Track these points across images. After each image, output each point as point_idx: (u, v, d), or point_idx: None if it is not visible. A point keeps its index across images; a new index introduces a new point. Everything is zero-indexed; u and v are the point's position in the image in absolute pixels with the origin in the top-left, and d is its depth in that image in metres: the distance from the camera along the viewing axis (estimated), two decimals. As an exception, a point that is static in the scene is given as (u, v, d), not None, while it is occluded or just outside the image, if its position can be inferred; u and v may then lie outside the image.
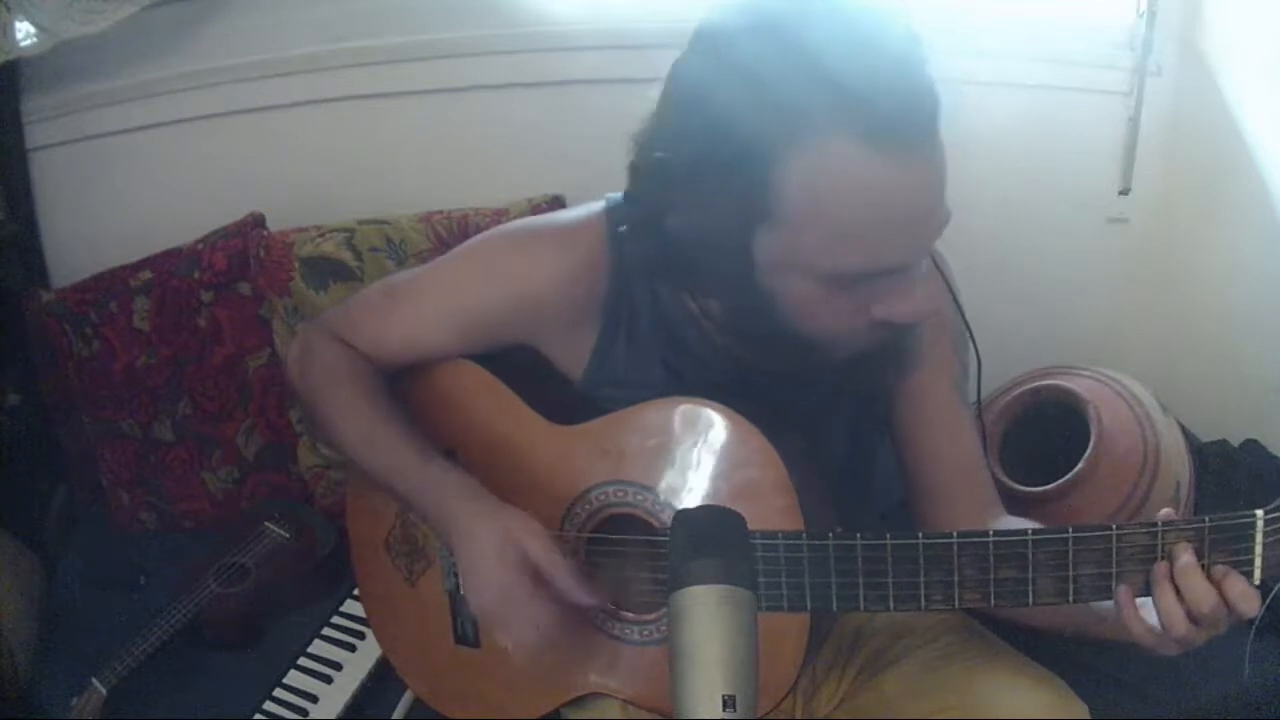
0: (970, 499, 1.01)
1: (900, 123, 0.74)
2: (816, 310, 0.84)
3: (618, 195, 0.97)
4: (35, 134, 1.67)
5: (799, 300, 0.83)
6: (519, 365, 1.03)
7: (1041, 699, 0.94)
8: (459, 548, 0.94)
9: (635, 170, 0.88)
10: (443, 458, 0.98)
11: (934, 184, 0.79)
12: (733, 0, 0.80)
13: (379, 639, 1.17)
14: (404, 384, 1.06)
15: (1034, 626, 0.99)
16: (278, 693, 1.31)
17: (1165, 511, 0.80)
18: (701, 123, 0.79)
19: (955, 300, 0.99)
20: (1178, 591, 0.77)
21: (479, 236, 1.05)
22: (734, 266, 0.83)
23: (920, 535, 0.82)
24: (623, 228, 0.94)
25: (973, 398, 1.04)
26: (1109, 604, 0.84)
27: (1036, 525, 0.83)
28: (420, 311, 1.03)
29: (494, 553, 0.91)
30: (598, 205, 0.99)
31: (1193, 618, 0.77)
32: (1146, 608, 0.80)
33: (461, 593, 1.04)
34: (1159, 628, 0.79)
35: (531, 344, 1.02)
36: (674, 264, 0.89)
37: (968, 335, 1.01)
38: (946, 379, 1.01)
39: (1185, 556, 0.76)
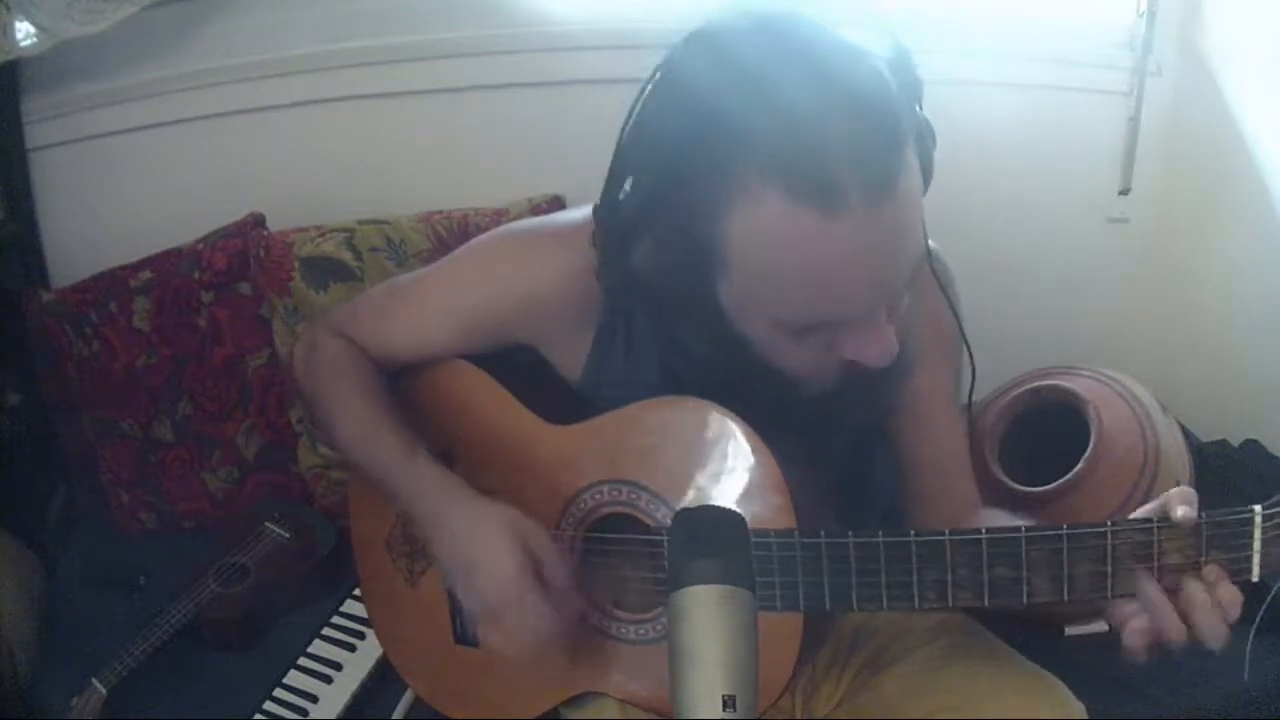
0: (948, 500, 1.01)
1: (842, 181, 0.70)
2: (783, 353, 0.83)
3: None
4: (35, 134, 1.67)
5: (765, 342, 0.83)
6: (518, 365, 1.04)
7: (1039, 700, 0.94)
8: (454, 546, 0.94)
9: (598, 210, 0.87)
10: (433, 458, 0.98)
11: (888, 236, 0.74)
12: (693, 39, 0.79)
13: (379, 638, 1.17)
14: (402, 384, 1.07)
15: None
16: (278, 693, 1.31)
17: (1182, 505, 0.78)
18: (654, 173, 0.79)
19: (953, 307, 0.99)
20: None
21: (482, 237, 1.05)
22: (702, 307, 0.83)
23: (913, 533, 0.82)
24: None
25: (964, 402, 1.04)
26: None
27: (1028, 523, 0.83)
28: (423, 311, 1.04)
29: (502, 550, 0.90)
30: None
31: (1185, 619, 0.76)
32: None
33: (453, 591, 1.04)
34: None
35: (531, 344, 1.02)
36: (647, 305, 0.89)
37: (963, 343, 1.01)
38: (942, 386, 1.01)
39: (1191, 585, 0.76)
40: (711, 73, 0.75)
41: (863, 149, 0.71)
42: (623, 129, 0.83)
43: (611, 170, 0.85)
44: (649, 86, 0.81)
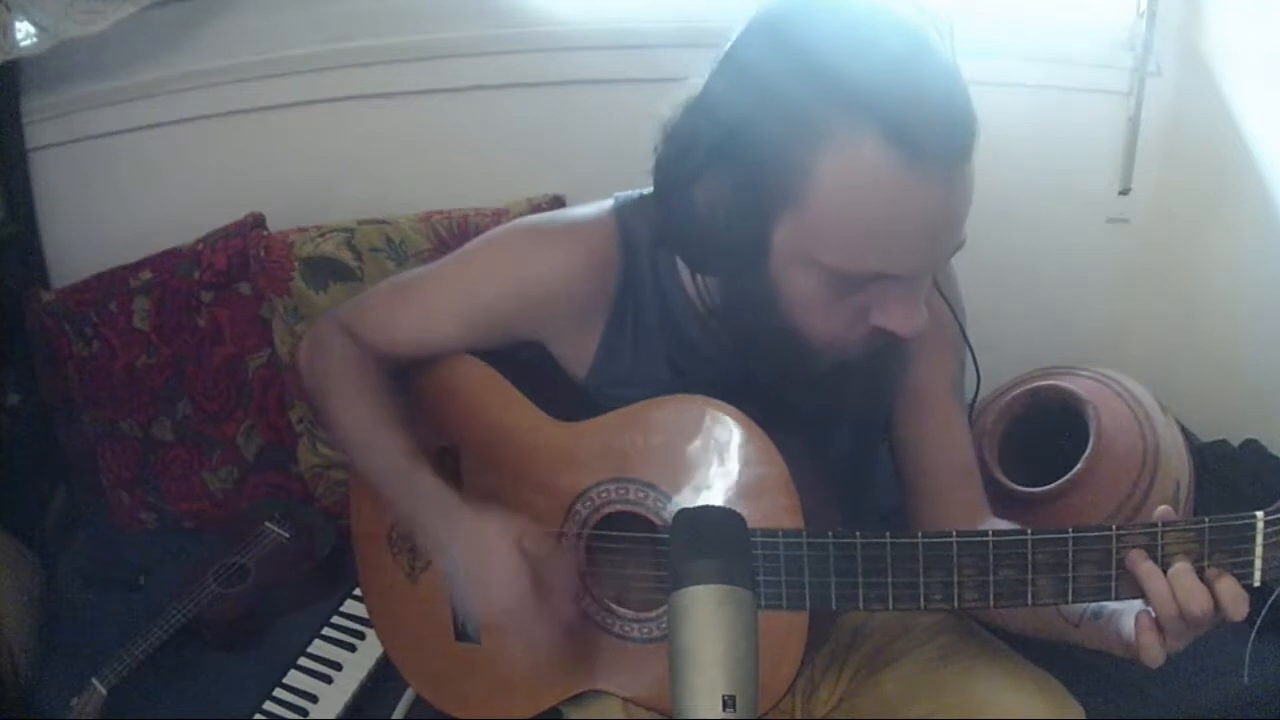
0: (960, 502, 1.02)
1: (934, 136, 0.74)
2: (817, 309, 0.84)
3: (627, 194, 0.98)
4: (35, 134, 1.67)
5: (802, 296, 0.83)
6: (525, 362, 1.04)
7: (1038, 700, 0.95)
8: (455, 558, 0.94)
9: (669, 131, 0.87)
10: (431, 468, 0.98)
11: (956, 202, 0.79)
12: (783, 3, 0.80)
13: (380, 635, 1.17)
14: (409, 380, 1.07)
15: (1006, 629, 1.00)
16: (278, 693, 1.31)
17: (1163, 509, 0.80)
18: (748, 96, 0.79)
19: (953, 307, 0.99)
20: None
21: (490, 233, 1.05)
22: (749, 250, 0.83)
23: (920, 535, 0.82)
24: (639, 193, 0.94)
25: (968, 403, 1.04)
26: (1076, 609, 0.85)
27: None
28: (431, 306, 1.04)
29: (504, 563, 0.91)
30: (607, 203, 0.99)
31: (1184, 618, 0.77)
32: (1126, 613, 0.81)
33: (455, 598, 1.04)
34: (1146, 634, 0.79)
35: (539, 340, 1.03)
36: (685, 238, 0.87)
37: (965, 343, 1.01)
38: (945, 382, 1.02)
39: (1179, 563, 0.77)
40: (816, 15, 0.78)
41: (954, 109, 0.76)
42: (718, 60, 0.83)
43: (696, 101, 0.84)
44: (743, 32, 0.82)
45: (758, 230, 0.82)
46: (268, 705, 1.29)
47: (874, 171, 0.75)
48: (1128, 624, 0.81)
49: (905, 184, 0.75)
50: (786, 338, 0.86)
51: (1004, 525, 0.97)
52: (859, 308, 0.84)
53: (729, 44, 0.83)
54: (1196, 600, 0.76)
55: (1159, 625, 0.78)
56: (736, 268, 0.85)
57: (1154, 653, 0.79)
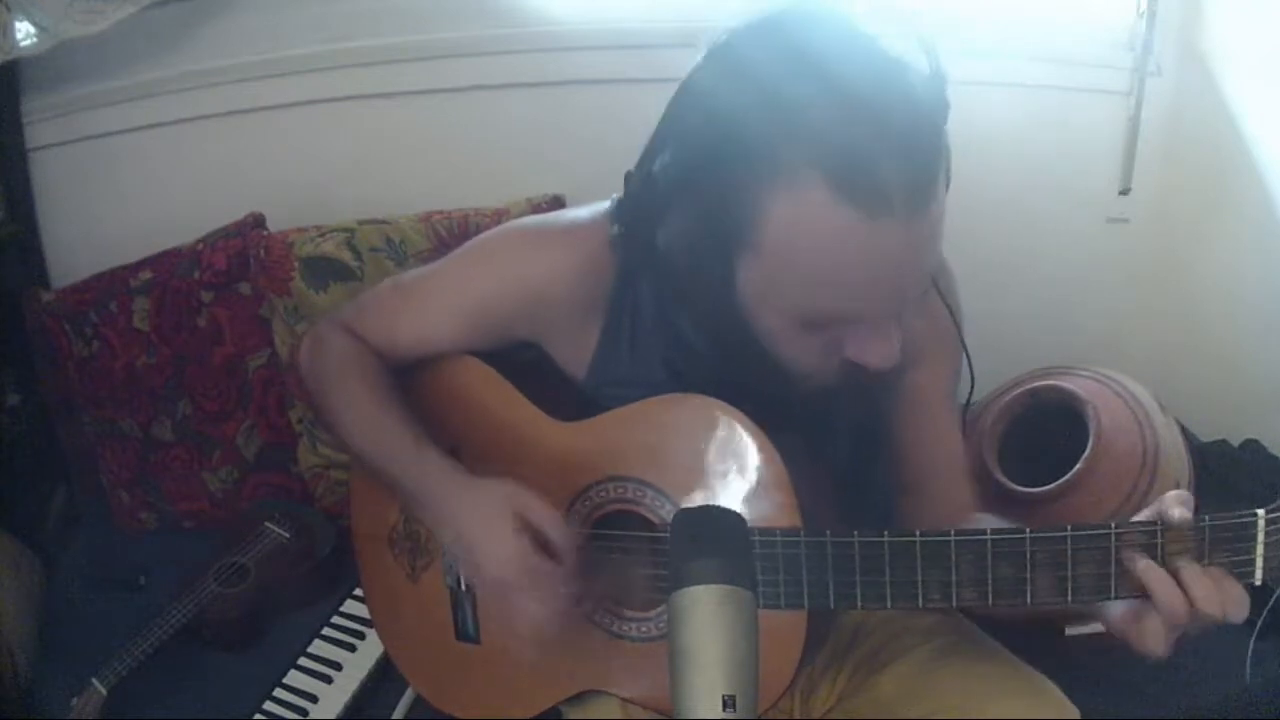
0: (942, 500, 1.02)
1: (881, 183, 0.72)
2: (789, 343, 0.84)
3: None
4: (35, 134, 1.67)
5: (771, 331, 0.83)
6: (524, 363, 1.04)
7: (1034, 702, 0.94)
8: (456, 529, 0.94)
9: (631, 179, 0.88)
10: (437, 448, 0.98)
11: (912, 247, 0.76)
12: (745, 30, 0.79)
13: (380, 635, 1.17)
14: (410, 380, 1.07)
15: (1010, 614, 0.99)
16: (278, 693, 1.31)
17: (1178, 507, 0.77)
18: (699, 145, 0.79)
19: (951, 309, 0.99)
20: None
21: (488, 233, 1.06)
22: (717, 288, 0.83)
23: (918, 533, 0.82)
24: (615, 230, 0.94)
25: (961, 404, 1.04)
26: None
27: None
28: (430, 306, 1.04)
29: (501, 528, 0.90)
30: (604, 205, 0.99)
31: (1196, 618, 0.75)
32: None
33: (462, 585, 1.04)
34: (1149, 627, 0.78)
35: (537, 341, 1.03)
36: (658, 272, 0.89)
37: (962, 348, 1.01)
38: (941, 388, 1.02)
39: (1187, 563, 0.75)
40: (773, 56, 0.76)
41: (912, 160, 0.73)
42: (669, 106, 0.83)
43: (652, 141, 0.85)
44: (701, 60, 0.80)
45: (722, 266, 0.82)
46: (268, 705, 1.29)
47: (823, 224, 0.73)
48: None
49: (857, 238, 0.73)
50: (766, 366, 0.86)
51: (993, 521, 0.97)
52: (830, 341, 0.83)
53: (693, 71, 0.81)
54: (1212, 601, 0.74)
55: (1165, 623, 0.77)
56: (708, 301, 0.86)
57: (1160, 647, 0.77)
